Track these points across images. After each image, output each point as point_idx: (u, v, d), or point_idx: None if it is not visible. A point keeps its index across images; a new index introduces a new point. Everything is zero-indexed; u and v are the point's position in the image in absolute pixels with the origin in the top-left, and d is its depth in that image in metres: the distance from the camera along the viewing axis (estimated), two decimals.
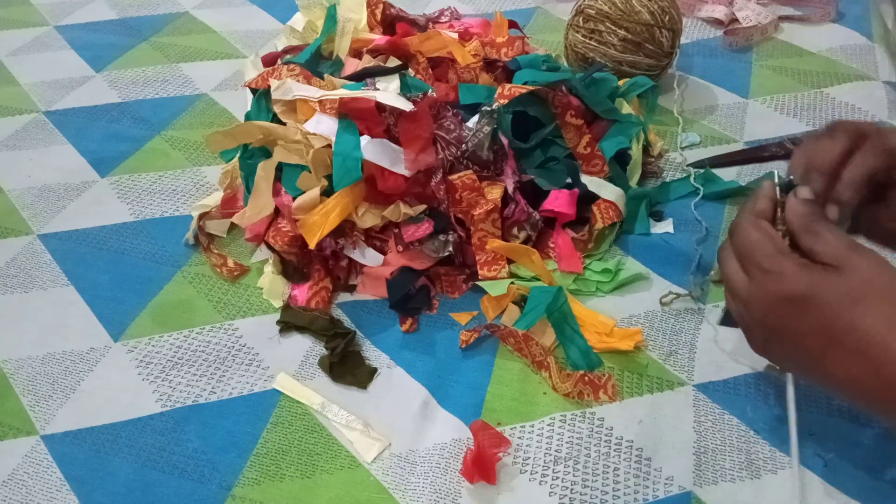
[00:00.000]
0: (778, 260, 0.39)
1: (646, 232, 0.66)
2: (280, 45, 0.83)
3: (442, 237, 0.60)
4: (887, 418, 0.38)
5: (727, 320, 0.47)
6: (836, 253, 0.38)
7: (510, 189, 0.62)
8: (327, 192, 0.60)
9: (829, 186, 0.43)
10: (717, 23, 0.96)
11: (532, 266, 0.61)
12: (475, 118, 0.63)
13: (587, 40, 0.79)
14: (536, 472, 0.49)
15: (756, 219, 0.41)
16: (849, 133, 0.44)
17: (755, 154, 0.73)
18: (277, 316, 0.60)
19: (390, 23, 0.79)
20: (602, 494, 0.48)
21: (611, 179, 0.66)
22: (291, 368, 0.57)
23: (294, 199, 0.60)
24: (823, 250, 0.39)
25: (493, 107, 0.63)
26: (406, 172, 0.59)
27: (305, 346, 0.58)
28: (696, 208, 0.67)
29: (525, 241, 0.63)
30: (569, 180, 0.64)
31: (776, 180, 0.42)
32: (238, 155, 0.69)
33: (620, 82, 0.73)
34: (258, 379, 0.56)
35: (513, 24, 0.81)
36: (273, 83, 0.66)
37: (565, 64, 0.84)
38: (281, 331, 0.59)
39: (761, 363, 0.54)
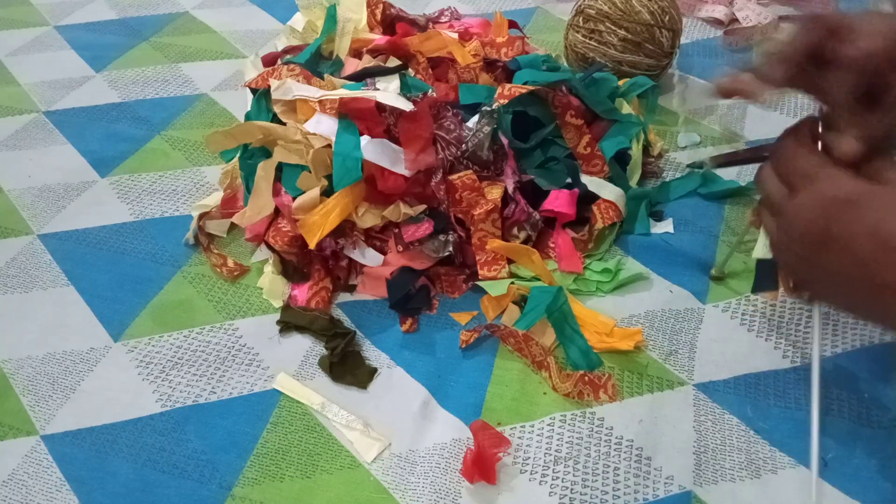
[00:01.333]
0: (827, 168, 0.39)
1: (646, 232, 0.66)
2: (280, 45, 0.83)
3: (442, 237, 0.60)
4: None
5: (762, 282, 0.46)
6: (890, 171, 0.38)
7: (510, 189, 0.62)
8: (327, 192, 0.60)
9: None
10: (717, 23, 0.96)
11: (532, 266, 0.61)
12: (475, 118, 0.63)
13: (587, 40, 0.79)
14: (536, 472, 0.49)
15: (799, 138, 0.41)
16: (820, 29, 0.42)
17: (755, 154, 0.73)
18: (277, 316, 0.60)
19: (390, 23, 0.79)
20: (602, 494, 0.48)
21: (611, 179, 0.66)
22: (291, 368, 0.57)
23: (294, 199, 0.60)
24: (876, 170, 0.39)
25: (493, 107, 0.63)
26: (406, 172, 0.59)
27: (305, 346, 0.58)
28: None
29: (525, 241, 0.63)
30: (569, 180, 0.64)
31: (819, 113, 0.42)
32: (238, 155, 0.69)
33: (620, 82, 0.73)
34: (258, 379, 0.56)
35: (513, 24, 0.81)
36: (273, 83, 0.66)
37: (565, 64, 0.84)
38: (281, 331, 0.59)
39: (762, 363, 0.55)
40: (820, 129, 0.42)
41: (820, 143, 0.42)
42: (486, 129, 0.61)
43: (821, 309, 0.43)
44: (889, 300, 0.37)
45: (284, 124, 0.64)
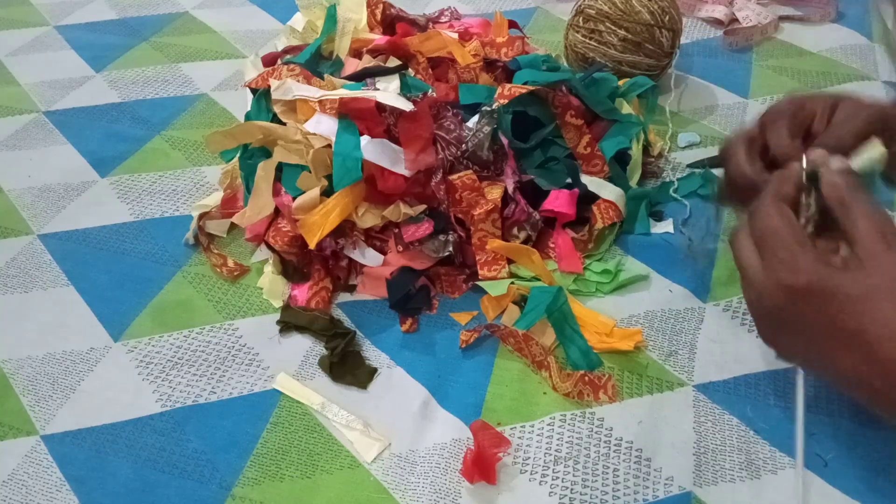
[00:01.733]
0: (795, 251, 0.38)
1: (646, 232, 0.66)
2: (280, 45, 0.83)
3: (442, 237, 0.60)
4: (894, 419, 0.38)
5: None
6: (865, 242, 0.37)
7: (510, 189, 0.62)
8: (327, 192, 0.60)
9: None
10: (717, 23, 0.96)
11: (532, 266, 0.61)
12: (475, 118, 0.63)
13: (587, 40, 0.79)
14: (536, 472, 0.49)
15: (779, 203, 0.40)
16: (824, 98, 0.44)
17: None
18: (277, 316, 0.60)
19: (390, 23, 0.79)
20: (602, 494, 0.48)
21: (611, 179, 0.66)
22: (291, 368, 0.57)
23: (294, 199, 0.60)
24: (853, 234, 0.38)
25: (493, 107, 0.63)
26: (406, 172, 0.59)
27: (305, 346, 0.58)
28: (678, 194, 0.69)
29: (525, 241, 0.63)
30: (569, 180, 0.64)
31: (803, 164, 0.41)
32: (238, 155, 0.69)
33: (620, 82, 0.73)
34: (258, 379, 0.56)
35: (513, 24, 0.81)
36: (273, 83, 0.66)
37: (565, 64, 0.84)
38: (281, 331, 0.59)
39: (761, 364, 0.55)
40: (803, 178, 0.41)
41: (802, 195, 0.41)
42: (486, 129, 0.61)
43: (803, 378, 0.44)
44: (852, 389, 0.38)
45: (284, 124, 0.64)
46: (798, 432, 0.44)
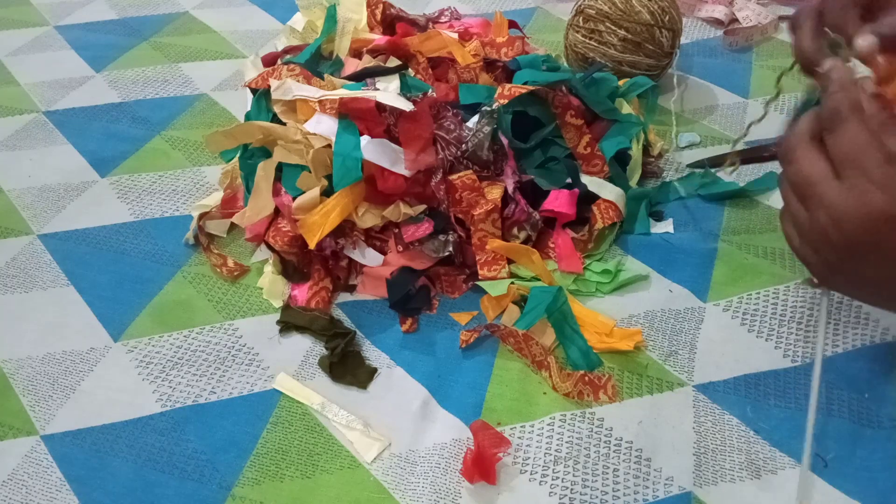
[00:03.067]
0: (889, 172, 0.34)
1: (646, 232, 0.66)
2: (280, 45, 0.83)
3: (442, 237, 0.60)
4: None
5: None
6: None
7: (510, 189, 0.62)
8: (327, 192, 0.60)
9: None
10: (717, 23, 0.96)
11: (532, 266, 0.61)
12: (475, 118, 0.63)
13: (587, 40, 0.79)
14: (536, 472, 0.49)
15: (861, 119, 0.36)
16: None
17: (755, 154, 0.73)
18: (277, 316, 0.60)
19: (390, 23, 0.78)
20: (602, 495, 0.48)
21: (611, 179, 0.66)
22: (291, 368, 0.57)
23: (294, 199, 0.60)
24: None
25: (493, 107, 0.63)
26: (406, 172, 0.59)
27: (305, 346, 0.58)
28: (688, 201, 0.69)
29: (525, 241, 0.63)
30: (569, 180, 0.64)
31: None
32: (238, 155, 0.69)
33: (620, 82, 0.73)
34: (258, 379, 0.56)
35: (513, 24, 0.81)
36: (273, 83, 0.66)
37: (565, 64, 0.84)
38: (281, 331, 0.59)
39: (761, 364, 0.55)
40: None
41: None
42: (486, 129, 0.61)
43: (828, 300, 0.40)
44: None
45: (284, 124, 0.64)
46: (816, 371, 0.40)
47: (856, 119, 0.36)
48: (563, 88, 0.66)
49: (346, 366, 0.56)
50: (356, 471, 0.50)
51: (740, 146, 0.66)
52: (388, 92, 0.64)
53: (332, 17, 0.76)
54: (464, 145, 0.61)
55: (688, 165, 0.72)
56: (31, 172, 0.77)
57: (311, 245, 0.58)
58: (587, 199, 0.64)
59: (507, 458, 0.50)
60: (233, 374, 0.56)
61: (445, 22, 0.83)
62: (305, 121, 0.62)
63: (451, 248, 0.60)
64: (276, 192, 0.63)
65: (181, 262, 0.66)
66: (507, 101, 0.63)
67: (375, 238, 0.62)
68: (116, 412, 0.54)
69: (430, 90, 0.65)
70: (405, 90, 0.66)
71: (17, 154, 0.80)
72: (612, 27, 0.77)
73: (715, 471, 0.48)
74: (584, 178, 0.65)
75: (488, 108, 0.63)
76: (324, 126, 0.61)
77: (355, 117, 0.61)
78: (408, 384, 0.55)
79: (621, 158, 0.68)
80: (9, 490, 0.49)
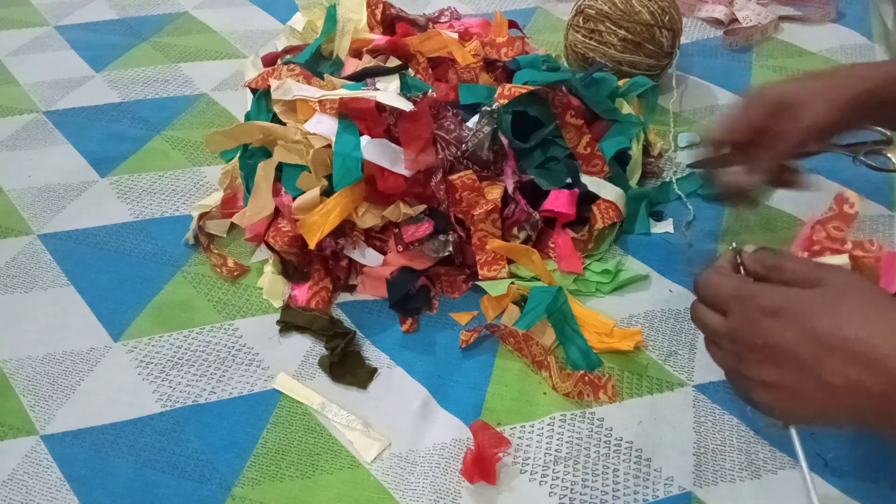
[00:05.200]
0: (749, 285, 0.40)
1: (646, 232, 0.66)
2: (280, 45, 0.83)
3: (442, 237, 0.60)
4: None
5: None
6: (807, 272, 0.39)
7: (510, 189, 0.62)
8: (327, 192, 0.60)
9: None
10: (717, 23, 0.96)
11: (532, 266, 0.61)
12: (475, 118, 0.63)
13: (587, 40, 0.79)
14: (536, 472, 0.49)
15: (718, 268, 0.42)
16: (764, 107, 0.50)
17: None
18: (277, 316, 0.60)
19: (390, 23, 0.79)
20: (602, 495, 0.48)
21: (611, 179, 0.66)
22: (291, 368, 0.57)
23: (294, 199, 0.60)
24: (794, 272, 0.39)
25: (493, 107, 0.63)
26: (406, 172, 0.59)
27: (305, 346, 0.58)
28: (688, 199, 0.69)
29: (525, 241, 0.63)
30: (569, 180, 0.64)
31: (732, 246, 0.43)
32: (238, 155, 0.69)
33: (620, 82, 0.73)
34: (258, 379, 0.56)
35: (513, 24, 0.81)
36: (273, 83, 0.66)
37: (565, 64, 0.84)
38: (281, 331, 0.59)
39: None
40: (739, 259, 0.42)
41: (742, 270, 0.42)
42: (486, 129, 0.61)
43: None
44: (850, 401, 0.36)
45: (284, 124, 0.64)
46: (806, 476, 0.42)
47: (710, 270, 0.42)
48: (563, 88, 0.66)
49: (346, 366, 0.56)
50: (356, 471, 0.50)
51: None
52: (388, 92, 0.64)
53: (332, 17, 0.76)
54: (464, 145, 0.61)
55: (688, 165, 0.72)
56: (31, 172, 0.77)
57: (311, 245, 0.58)
58: (587, 199, 0.64)
59: (507, 458, 0.50)
60: (233, 374, 0.56)
61: (445, 22, 0.83)
62: (305, 121, 0.62)
63: (451, 248, 0.60)
64: (276, 192, 0.63)
65: (181, 262, 0.66)
66: (507, 101, 0.63)
67: (375, 238, 0.62)
68: (116, 412, 0.54)
69: (430, 90, 0.65)
70: (405, 90, 0.66)
71: (17, 154, 0.80)
72: (612, 27, 0.77)
73: (715, 471, 0.48)
74: (584, 178, 0.65)
75: (488, 108, 0.63)
76: (324, 126, 0.61)
77: (355, 117, 0.61)
78: (408, 384, 0.55)
79: (621, 158, 0.68)
80: (9, 490, 0.50)
